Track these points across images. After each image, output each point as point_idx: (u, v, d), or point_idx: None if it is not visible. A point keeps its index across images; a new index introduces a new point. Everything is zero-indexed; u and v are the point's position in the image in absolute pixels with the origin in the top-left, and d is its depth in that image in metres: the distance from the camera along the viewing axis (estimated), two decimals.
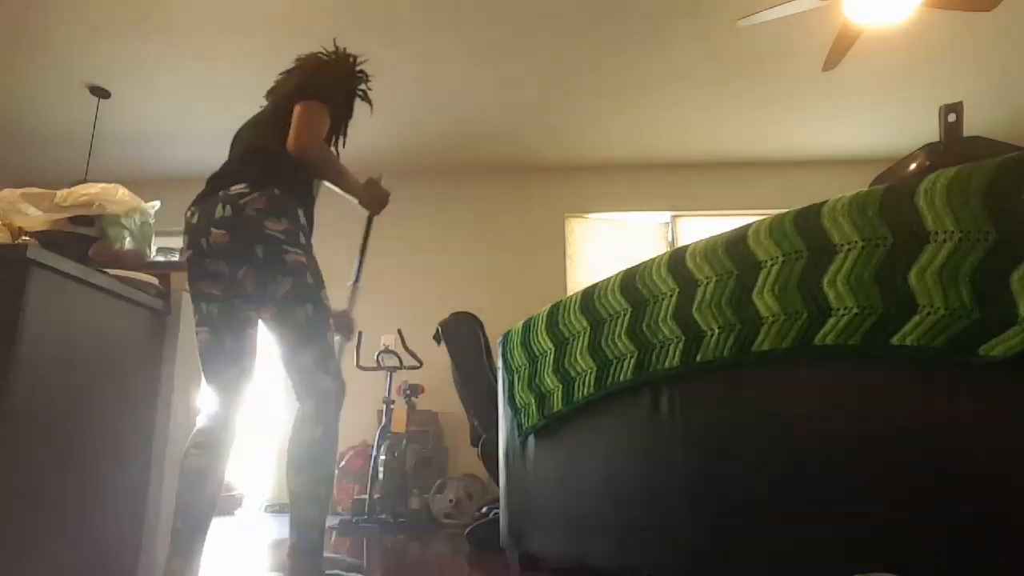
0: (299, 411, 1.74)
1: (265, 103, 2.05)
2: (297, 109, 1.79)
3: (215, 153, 6.40)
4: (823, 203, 1.36)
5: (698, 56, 4.10)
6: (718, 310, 1.52)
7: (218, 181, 1.78)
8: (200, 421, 1.76)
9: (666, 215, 5.58)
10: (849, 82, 4.26)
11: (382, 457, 4.07)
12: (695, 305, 1.58)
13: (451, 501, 4.23)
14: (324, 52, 2.05)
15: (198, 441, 1.73)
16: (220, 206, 1.71)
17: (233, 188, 1.72)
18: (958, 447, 1.16)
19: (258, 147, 1.84)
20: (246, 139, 1.92)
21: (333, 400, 1.76)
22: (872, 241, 1.26)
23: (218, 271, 1.72)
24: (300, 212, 1.79)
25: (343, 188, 2.00)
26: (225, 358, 1.76)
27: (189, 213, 1.80)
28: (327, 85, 1.91)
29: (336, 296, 2.02)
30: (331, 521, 4.04)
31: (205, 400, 1.77)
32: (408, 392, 4.38)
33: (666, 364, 1.64)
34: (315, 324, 1.75)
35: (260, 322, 1.81)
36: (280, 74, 2.08)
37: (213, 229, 1.70)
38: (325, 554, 1.79)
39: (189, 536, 1.66)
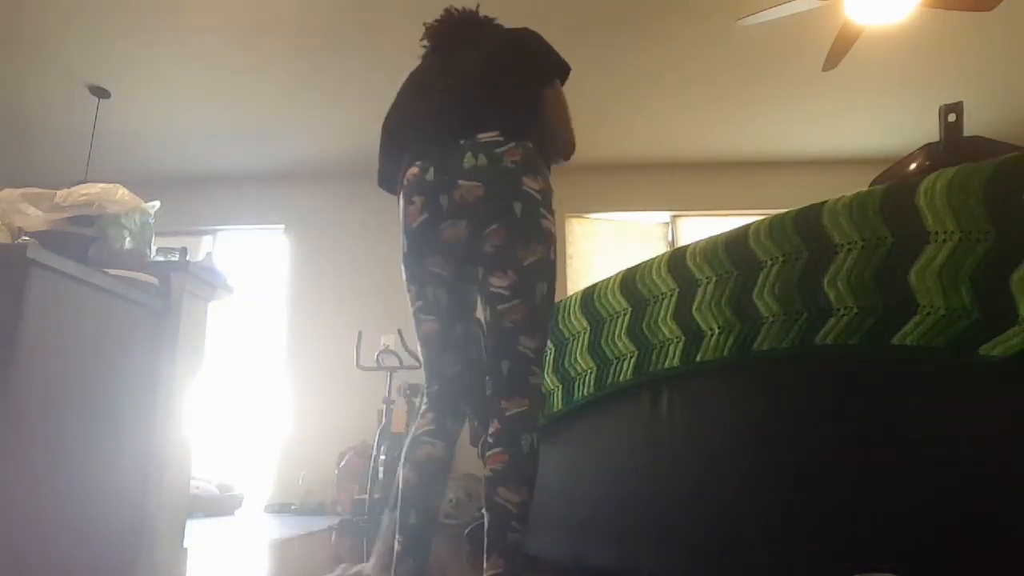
0: (511, 412, 1.46)
1: (427, 47, 1.78)
2: (559, 97, 1.63)
3: (215, 153, 6.39)
4: (823, 203, 1.36)
5: (698, 56, 4.10)
6: (718, 310, 1.52)
7: (453, 128, 1.51)
8: (428, 410, 1.58)
9: (666, 215, 5.58)
10: (849, 82, 4.26)
11: (382, 457, 4.07)
12: (695, 305, 1.58)
13: (451, 501, 4.23)
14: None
15: (430, 429, 1.54)
16: (470, 155, 1.45)
17: (481, 136, 1.47)
18: (958, 447, 1.15)
19: (502, 100, 1.57)
20: (473, 87, 1.60)
21: (543, 402, 1.52)
22: (872, 241, 1.26)
23: (455, 236, 1.47)
24: (550, 176, 1.56)
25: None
26: (456, 351, 1.56)
27: (417, 169, 1.51)
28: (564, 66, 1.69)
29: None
30: (331, 521, 4.04)
31: (431, 394, 1.60)
32: (408, 392, 4.38)
33: (666, 364, 1.64)
34: (547, 309, 1.50)
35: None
36: (450, 18, 1.78)
37: (462, 182, 1.44)
38: None
39: (423, 531, 1.50)
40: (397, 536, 1.50)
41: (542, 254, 1.47)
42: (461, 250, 1.49)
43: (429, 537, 1.52)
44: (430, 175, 1.48)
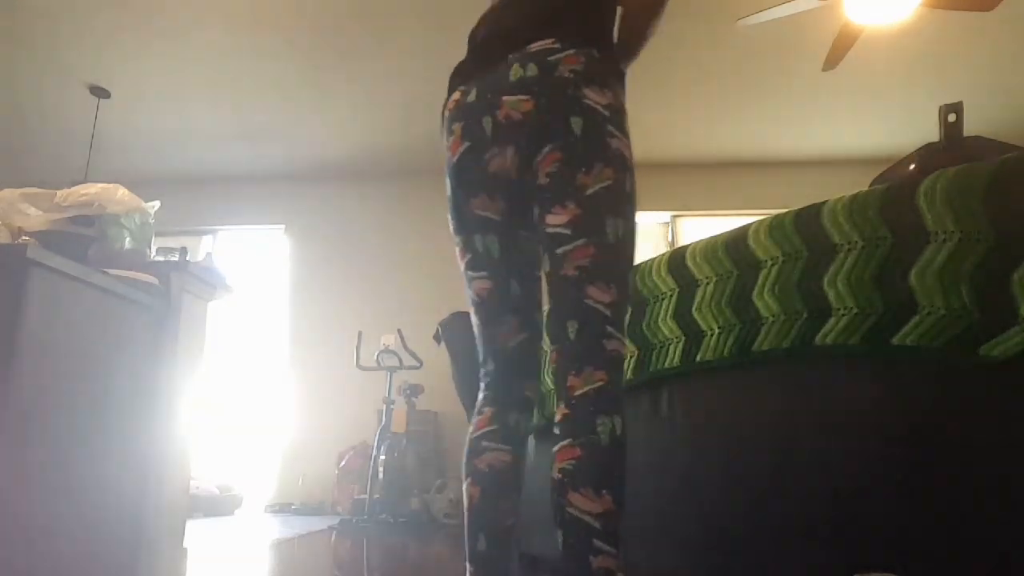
0: (582, 390, 1.12)
1: None
2: None
3: (215, 153, 6.41)
4: (823, 203, 1.36)
5: (698, 56, 4.10)
6: (718, 310, 1.52)
7: (502, 43, 1.23)
8: (485, 404, 1.30)
9: (666, 215, 5.58)
10: (849, 82, 4.26)
11: (382, 457, 4.07)
12: (695, 305, 1.58)
13: (451, 501, 4.23)
14: None
15: (491, 430, 1.25)
16: (517, 66, 1.18)
17: (534, 45, 1.18)
18: (958, 447, 1.15)
19: (562, 3, 1.28)
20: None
21: (623, 376, 1.18)
22: (872, 241, 1.26)
23: (503, 167, 1.19)
24: (623, 90, 1.26)
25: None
26: (513, 313, 1.27)
27: (458, 94, 1.26)
28: None
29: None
30: (331, 521, 4.04)
31: (487, 376, 1.32)
32: (408, 392, 4.39)
33: (666, 364, 1.64)
34: (624, 251, 1.18)
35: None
36: None
37: (506, 97, 1.17)
38: None
39: (498, 557, 1.22)
40: (467, 565, 1.23)
41: (612, 178, 1.15)
42: (514, 186, 1.20)
43: (506, 564, 1.23)
44: (471, 96, 1.22)
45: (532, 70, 1.17)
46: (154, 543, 1.92)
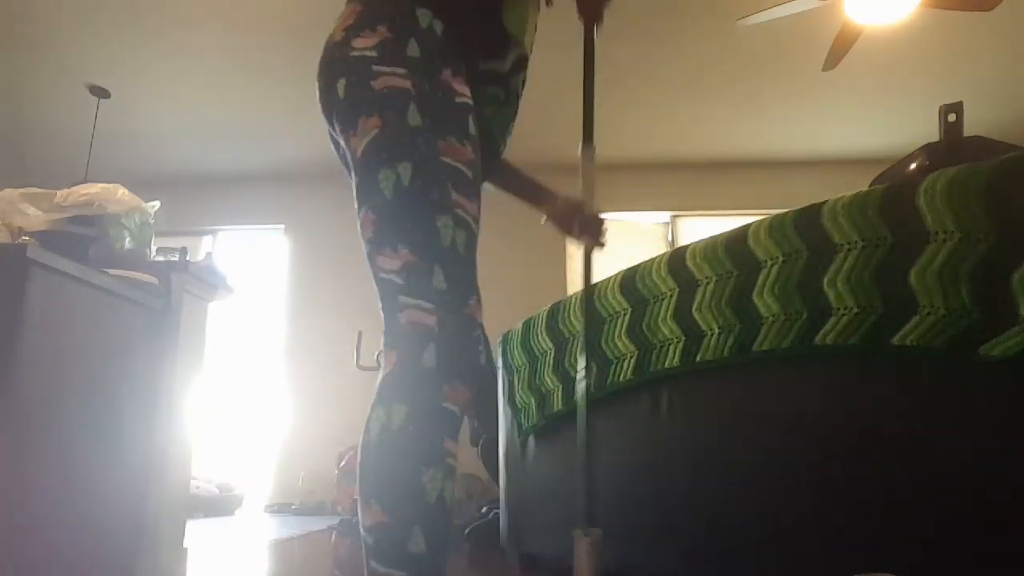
0: (379, 380, 0.98)
1: None
2: None
3: (215, 153, 6.41)
4: (823, 203, 1.36)
5: (698, 56, 4.10)
6: (718, 310, 1.52)
7: None
8: None
9: (666, 215, 5.57)
10: (849, 82, 4.26)
11: None
12: (695, 305, 1.58)
13: None
14: None
15: None
16: None
17: None
18: (958, 447, 1.15)
19: None
20: None
21: (435, 351, 0.94)
22: (872, 241, 1.26)
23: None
24: (421, 14, 1.06)
25: None
26: None
27: None
28: None
29: None
30: (331, 521, 4.03)
31: None
32: None
33: (666, 364, 1.64)
34: (409, 202, 0.98)
35: None
36: None
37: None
38: None
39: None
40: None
41: (379, 125, 0.99)
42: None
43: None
44: None
45: (321, 54, 1.12)
46: (154, 543, 1.92)
